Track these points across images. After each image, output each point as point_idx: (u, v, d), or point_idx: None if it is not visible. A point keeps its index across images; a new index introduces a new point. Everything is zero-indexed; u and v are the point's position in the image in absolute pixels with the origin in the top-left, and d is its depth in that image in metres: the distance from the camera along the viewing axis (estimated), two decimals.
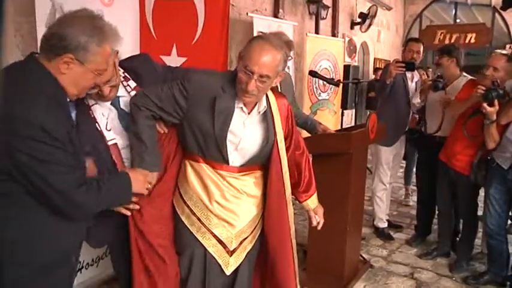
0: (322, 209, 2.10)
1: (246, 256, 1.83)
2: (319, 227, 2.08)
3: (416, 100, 3.72)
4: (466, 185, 3.12)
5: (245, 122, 1.74)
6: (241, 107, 1.72)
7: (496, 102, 2.74)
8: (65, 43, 1.28)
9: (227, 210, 1.77)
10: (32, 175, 1.25)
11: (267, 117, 1.78)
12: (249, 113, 1.75)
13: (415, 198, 5.01)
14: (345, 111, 5.96)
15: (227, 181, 1.75)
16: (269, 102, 1.79)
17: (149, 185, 1.69)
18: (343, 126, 5.17)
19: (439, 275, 3.24)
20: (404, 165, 4.96)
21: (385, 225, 3.98)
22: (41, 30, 2.40)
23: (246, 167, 1.79)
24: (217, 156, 1.73)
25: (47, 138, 1.23)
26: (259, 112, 1.76)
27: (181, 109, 1.70)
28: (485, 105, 2.76)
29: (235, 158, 1.75)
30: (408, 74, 3.72)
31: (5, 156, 1.21)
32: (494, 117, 2.78)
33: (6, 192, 1.27)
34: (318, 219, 2.06)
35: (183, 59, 3.33)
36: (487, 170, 2.99)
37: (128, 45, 3.05)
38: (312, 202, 2.06)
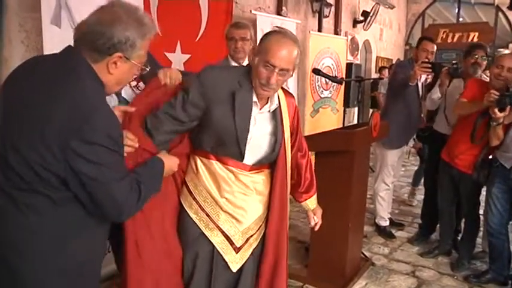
0: (321, 210, 2.10)
1: (251, 253, 1.83)
2: (316, 228, 2.08)
3: (437, 95, 3.53)
4: (468, 183, 3.12)
5: (256, 118, 1.74)
6: (255, 102, 1.71)
7: (508, 108, 2.70)
8: (113, 42, 1.25)
9: (236, 206, 1.77)
10: (90, 180, 1.23)
11: (276, 116, 1.79)
12: (260, 109, 1.75)
13: (418, 197, 5.03)
14: (347, 109, 5.96)
15: (238, 178, 1.76)
16: (279, 101, 1.80)
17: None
18: (345, 124, 5.17)
19: (440, 273, 3.25)
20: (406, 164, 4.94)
21: (387, 223, 3.98)
22: (46, 25, 2.41)
23: (258, 166, 1.80)
24: (233, 152, 1.72)
25: (111, 143, 1.23)
26: (270, 110, 1.76)
27: (199, 108, 1.68)
28: (496, 110, 2.72)
29: (248, 155, 1.75)
30: None
31: (63, 163, 1.20)
32: (502, 120, 2.77)
33: (53, 197, 1.25)
34: (316, 220, 2.07)
35: (187, 56, 3.35)
36: (489, 169, 2.99)
37: None
38: (312, 203, 2.07)
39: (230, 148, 1.72)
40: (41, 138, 1.18)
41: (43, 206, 1.24)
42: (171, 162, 1.62)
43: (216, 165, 1.75)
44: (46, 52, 2.42)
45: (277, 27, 1.81)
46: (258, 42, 1.84)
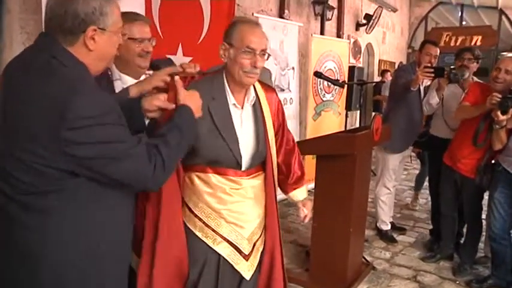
0: (311, 203, 2.03)
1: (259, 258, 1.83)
2: (306, 220, 1.99)
3: (435, 99, 3.44)
4: (471, 188, 3.10)
5: (242, 118, 1.73)
6: (234, 104, 1.71)
7: (510, 110, 2.69)
8: (81, 17, 1.18)
9: (239, 214, 1.76)
10: (100, 162, 1.18)
11: (257, 110, 1.78)
12: (242, 108, 1.74)
13: (421, 201, 5.01)
14: (349, 112, 5.94)
15: (240, 184, 1.74)
16: (257, 95, 1.79)
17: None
18: (347, 128, 5.16)
19: (442, 278, 3.22)
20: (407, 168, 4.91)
21: (389, 227, 3.95)
22: None
23: (254, 169, 1.78)
24: (231, 163, 1.71)
25: (103, 120, 1.17)
26: (249, 103, 1.75)
27: None
28: (498, 113, 2.71)
29: (243, 160, 1.73)
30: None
31: (61, 154, 1.15)
32: (505, 123, 2.76)
33: (68, 188, 1.21)
34: (306, 212, 1.97)
35: (189, 59, 3.34)
36: (492, 173, 2.97)
37: None
38: (301, 193, 2.00)
39: (226, 161, 1.70)
40: (34, 137, 1.15)
41: (52, 204, 1.21)
42: (194, 101, 1.48)
43: (214, 177, 1.72)
44: None
45: (244, 18, 1.80)
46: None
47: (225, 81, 1.71)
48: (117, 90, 1.75)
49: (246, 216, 1.77)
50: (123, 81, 1.82)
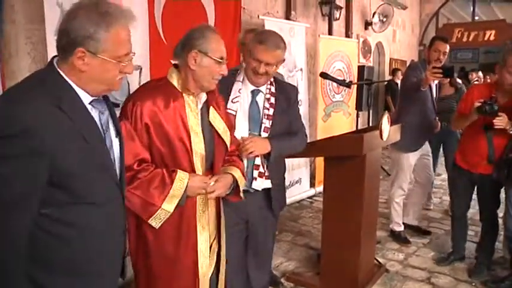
0: (227, 183, 1.79)
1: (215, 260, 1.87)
2: (209, 193, 1.71)
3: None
4: (488, 186, 3.01)
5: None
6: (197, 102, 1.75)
7: (496, 110, 2.69)
8: (71, 37, 1.19)
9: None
10: None
11: (204, 113, 1.78)
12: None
13: (435, 200, 4.91)
14: (360, 112, 5.87)
15: None
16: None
17: None
18: (359, 128, 5.10)
19: (457, 279, 3.14)
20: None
21: (401, 228, 3.88)
22: (50, 37, 2.44)
23: (208, 171, 1.78)
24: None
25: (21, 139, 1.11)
26: (201, 105, 1.77)
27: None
28: (494, 121, 2.71)
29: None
30: None
31: None
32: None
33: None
34: (211, 184, 1.70)
35: None
36: (509, 168, 2.86)
37: (137, 50, 3.06)
38: (232, 170, 1.85)
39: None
40: None
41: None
42: None
43: None
44: None
45: (208, 26, 1.85)
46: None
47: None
48: None
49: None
50: None
